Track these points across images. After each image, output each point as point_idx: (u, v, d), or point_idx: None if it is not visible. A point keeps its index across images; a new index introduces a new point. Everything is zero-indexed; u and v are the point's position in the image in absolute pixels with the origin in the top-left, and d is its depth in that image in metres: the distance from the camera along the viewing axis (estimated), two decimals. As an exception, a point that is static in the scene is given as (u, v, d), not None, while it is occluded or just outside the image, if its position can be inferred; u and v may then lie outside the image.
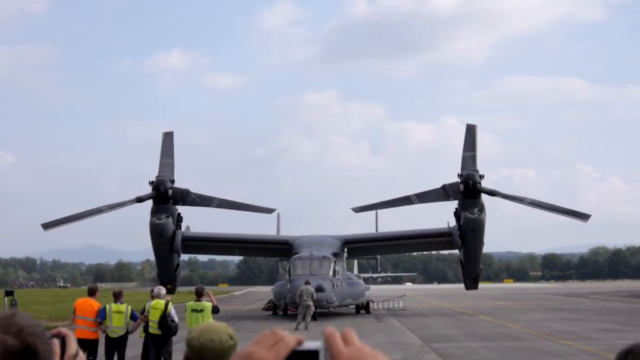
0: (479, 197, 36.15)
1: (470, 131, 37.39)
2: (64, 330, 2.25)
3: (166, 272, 39.21)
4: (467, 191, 35.72)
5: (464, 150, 36.97)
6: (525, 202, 36.08)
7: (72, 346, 2.23)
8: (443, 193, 36.42)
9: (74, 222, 35.87)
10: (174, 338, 16.78)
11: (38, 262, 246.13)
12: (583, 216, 35.14)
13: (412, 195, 37.31)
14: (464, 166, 36.53)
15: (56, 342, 2.18)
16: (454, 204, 37.30)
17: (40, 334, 2.10)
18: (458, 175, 36.25)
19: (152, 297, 16.95)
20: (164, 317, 16.34)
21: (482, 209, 36.24)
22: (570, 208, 35.92)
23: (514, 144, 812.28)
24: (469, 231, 36.52)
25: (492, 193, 35.84)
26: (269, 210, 39.95)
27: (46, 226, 35.39)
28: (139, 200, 36.16)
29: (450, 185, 36.22)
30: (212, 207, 37.90)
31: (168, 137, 38.15)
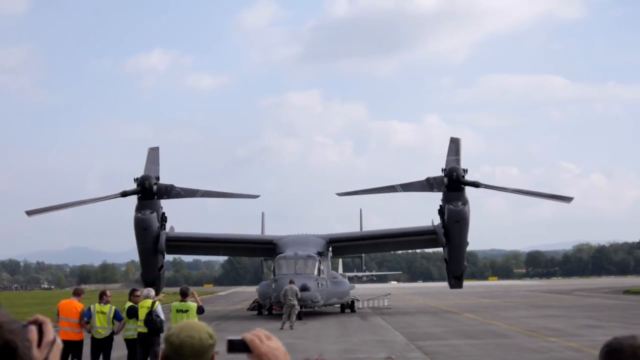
0: (462, 190, 36.43)
1: (455, 142, 37.76)
2: (41, 317, 2.23)
3: (150, 272, 38.96)
4: (451, 184, 35.95)
5: (448, 155, 37.17)
6: (509, 190, 36.76)
7: (50, 333, 2.22)
8: (427, 185, 36.62)
9: (57, 210, 36.79)
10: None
11: (22, 264, 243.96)
12: (565, 199, 36.21)
13: (396, 185, 37.50)
14: (447, 166, 36.71)
15: (33, 329, 2.16)
16: (438, 203, 37.46)
17: (19, 331, 2.08)
18: (442, 169, 36.42)
19: (133, 299, 16.98)
20: (149, 312, 16.39)
21: (465, 202, 36.52)
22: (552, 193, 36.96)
23: (496, 141, 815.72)
24: (453, 224, 36.71)
25: (475, 184, 36.20)
26: (253, 196, 39.86)
27: (29, 213, 35.50)
28: (124, 194, 36.09)
29: (435, 178, 36.42)
30: (197, 197, 37.90)
31: (154, 151, 38.12)
